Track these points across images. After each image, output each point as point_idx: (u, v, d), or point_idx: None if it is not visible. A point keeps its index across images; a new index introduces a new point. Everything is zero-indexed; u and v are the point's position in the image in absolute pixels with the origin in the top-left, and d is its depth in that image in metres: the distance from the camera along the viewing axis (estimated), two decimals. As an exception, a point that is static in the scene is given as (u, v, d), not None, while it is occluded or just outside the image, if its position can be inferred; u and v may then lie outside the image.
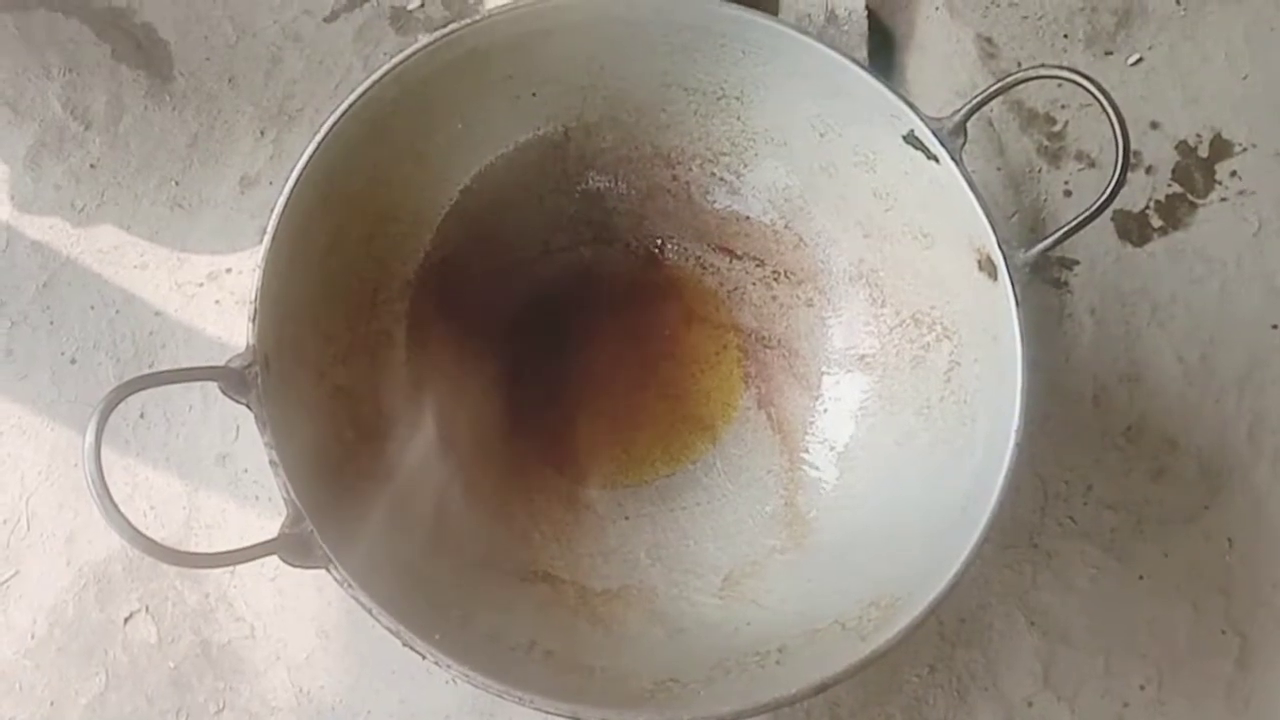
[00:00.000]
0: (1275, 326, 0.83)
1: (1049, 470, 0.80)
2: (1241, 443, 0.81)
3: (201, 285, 0.82)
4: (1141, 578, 0.78)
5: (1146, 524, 0.79)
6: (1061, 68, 0.63)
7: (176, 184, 0.84)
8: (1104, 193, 0.61)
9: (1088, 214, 0.62)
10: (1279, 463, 0.80)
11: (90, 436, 0.52)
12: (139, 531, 0.51)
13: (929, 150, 0.66)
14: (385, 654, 0.75)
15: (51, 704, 0.75)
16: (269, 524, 0.76)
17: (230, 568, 0.76)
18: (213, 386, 0.76)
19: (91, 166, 0.84)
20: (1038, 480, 0.80)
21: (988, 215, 0.64)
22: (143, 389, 0.54)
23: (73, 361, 0.80)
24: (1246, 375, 0.82)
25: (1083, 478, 0.80)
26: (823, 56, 0.66)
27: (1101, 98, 0.61)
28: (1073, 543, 0.79)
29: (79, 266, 0.82)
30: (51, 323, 0.81)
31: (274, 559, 0.74)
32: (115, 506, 0.51)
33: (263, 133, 0.85)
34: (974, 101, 0.65)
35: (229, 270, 0.82)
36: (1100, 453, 0.80)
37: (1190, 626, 0.78)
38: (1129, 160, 0.61)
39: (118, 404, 0.53)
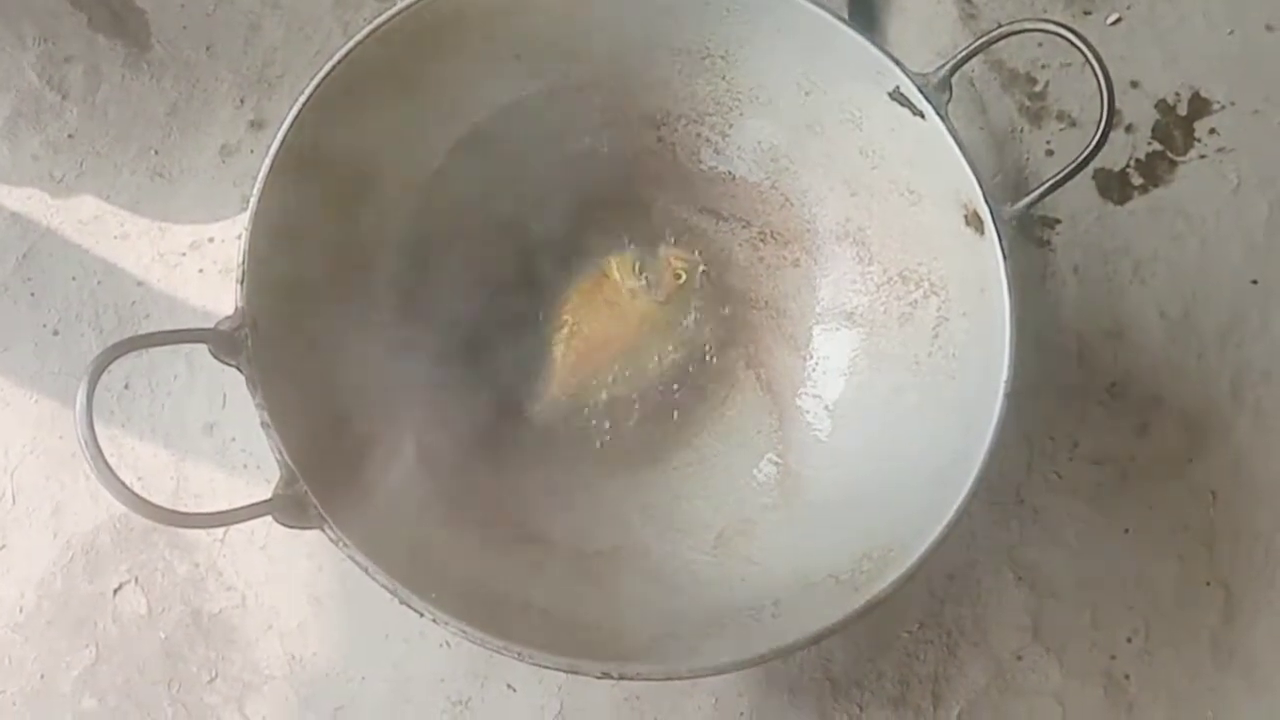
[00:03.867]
0: (1255, 282, 0.83)
1: (1034, 427, 0.80)
2: (1224, 397, 0.81)
3: (184, 255, 0.81)
4: (1127, 531, 0.79)
5: (1131, 478, 0.80)
6: (1046, 20, 0.63)
7: (156, 153, 0.83)
8: (1092, 140, 0.62)
9: (1076, 164, 0.62)
10: (1261, 416, 0.81)
11: (81, 398, 0.51)
12: (133, 492, 0.51)
13: (914, 106, 0.66)
14: (378, 619, 0.75)
15: (42, 677, 0.74)
16: (258, 492, 0.75)
17: (220, 537, 0.76)
18: (198, 356, 0.77)
19: (69, 136, 0.83)
20: (1023, 437, 0.80)
21: (974, 170, 0.64)
22: (133, 350, 0.54)
23: (55, 333, 0.80)
24: (1228, 330, 0.82)
25: (1068, 434, 0.81)
26: (808, 14, 0.66)
27: (1083, 47, 0.62)
28: (1059, 498, 0.79)
29: (59, 237, 0.81)
30: (32, 294, 0.80)
31: (264, 527, 0.75)
32: (109, 468, 0.51)
33: (242, 101, 0.85)
34: (959, 56, 0.65)
35: (211, 239, 0.81)
36: (1085, 409, 0.81)
37: (1175, 579, 0.78)
38: (1114, 109, 0.62)
39: (108, 365, 0.53)
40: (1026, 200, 0.64)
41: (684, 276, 0.74)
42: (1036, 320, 0.82)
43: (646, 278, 0.74)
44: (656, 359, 0.74)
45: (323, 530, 0.56)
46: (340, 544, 0.55)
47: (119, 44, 0.85)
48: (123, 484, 0.51)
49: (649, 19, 0.70)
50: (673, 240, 0.78)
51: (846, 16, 0.80)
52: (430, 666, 0.74)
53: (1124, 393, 0.81)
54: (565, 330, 0.73)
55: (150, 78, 0.85)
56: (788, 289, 0.77)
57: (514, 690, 0.74)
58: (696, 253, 0.77)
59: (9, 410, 0.78)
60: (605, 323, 0.73)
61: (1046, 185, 0.64)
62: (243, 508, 0.54)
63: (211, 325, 0.58)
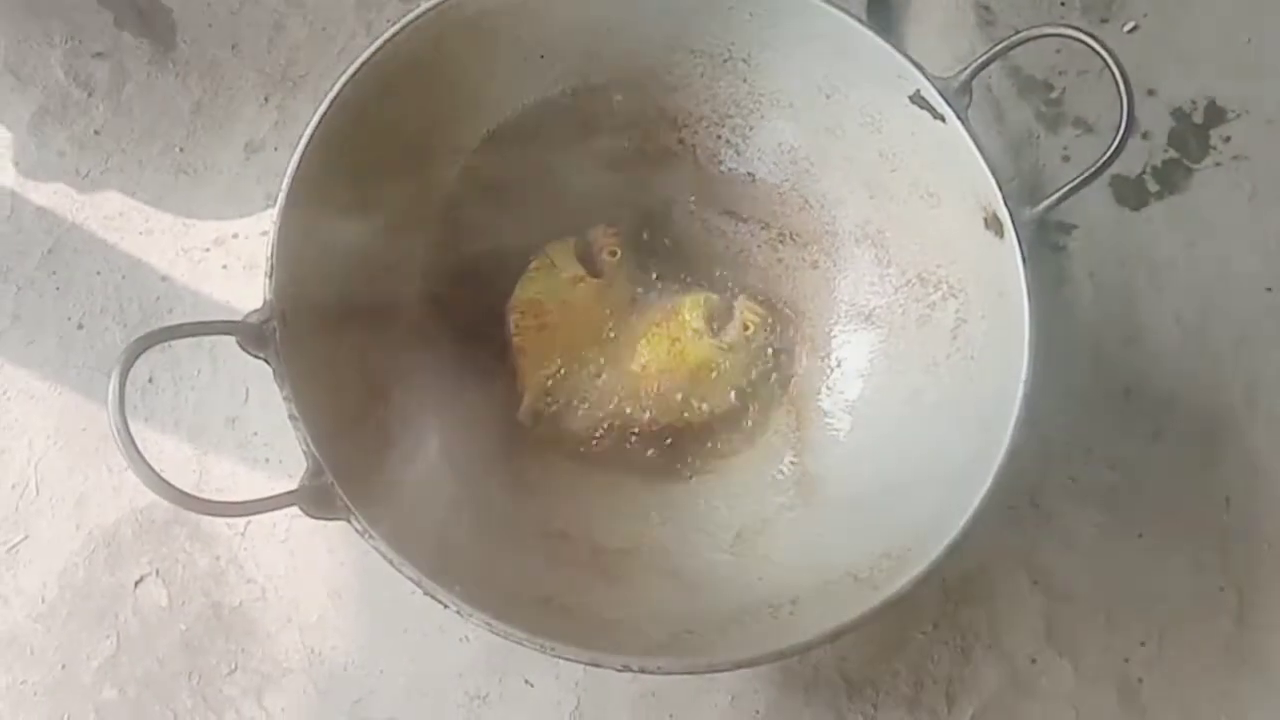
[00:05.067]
0: (1270, 289, 0.84)
1: (1049, 431, 0.81)
2: (1238, 403, 0.82)
3: (208, 250, 0.82)
4: (1141, 536, 0.79)
5: (1145, 483, 0.80)
6: (1068, 26, 0.63)
7: (181, 150, 0.84)
8: (1112, 144, 0.62)
9: (1096, 167, 0.63)
10: (1274, 422, 0.81)
11: (114, 386, 0.52)
12: (164, 479, 0.51)
13: (935, 110, 0.66)
14: (397, 613, 0.75)
15: (63, 667, 0.75)
16: (279, 486, 0.74)
17: (241, 530, 0.76)
18: (222, 350, 0.78)
19: (95, 133, 0.84)
20: (1038, 441, 0.80)
21: (994, 173, 0.64)
22: (165, 340, 0.55)
23: (80, 327, 0.80)
24: (1242, 337, 0.83)
25: (1083, 438, 0.81)
26: (831, 18, 0.67)
27: (1104, 53, 0.62)
28: (1073, 502, 0.80)
29: (85, 232, 0.82)
30: (58, 288, 0.81)
31: (286, 520, 0.75)
32: (141, 456, 0.51)
33: (266, 99, 0.85)
34: (980, 60, 0.65)
35: (235, 235, 0.82)
36: (1100, 414, 0.81)
37: (1189, 584, 0.79)
38: (1134, 113, 0.62)
39: (140, 354, 0.53)
40: (1046, 203, 0.64)
41: (752, 329, 0.75)
42: (1052, 325, 0.82)
43: (715, 323, 0.75)
44: (703, 401, 0.75)
45: (349, 521, 0.56)
46: (366, 536, 0.56)
47: (145, 42, 0.86)
48: (154, 471, 0.51)
49: (671, 21, 0.71)
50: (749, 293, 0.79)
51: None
52: (449, 661, 0.75)
53: (1138, 398, 0.82)
54: (615, 358, 0.75)
55: (175, 75, 0.86)
56: (806, 290, 0.77)
57: (532, 685, 0.75)
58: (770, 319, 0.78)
59: (33, 402, 0.79)
60: (664, 357, 0.74)
61: (1066, 188, 0.64)
62: (270, 498, 0.55)
63: (231, 320, 0.58)
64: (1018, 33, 0.65)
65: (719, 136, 0.77)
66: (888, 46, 0.66)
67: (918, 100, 0.67)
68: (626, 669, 0.56)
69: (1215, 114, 0.88)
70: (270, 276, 0.59)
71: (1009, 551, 0.79)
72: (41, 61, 0.85)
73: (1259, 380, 0.82)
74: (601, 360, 0.75)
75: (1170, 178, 0.86)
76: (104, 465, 0.78)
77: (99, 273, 0.81)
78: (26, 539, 0.77)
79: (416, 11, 0.65)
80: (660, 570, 0.69)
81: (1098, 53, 0.62)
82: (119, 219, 0.83)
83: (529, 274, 0.76)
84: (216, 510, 0.54)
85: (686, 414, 0.74)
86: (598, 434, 0.74)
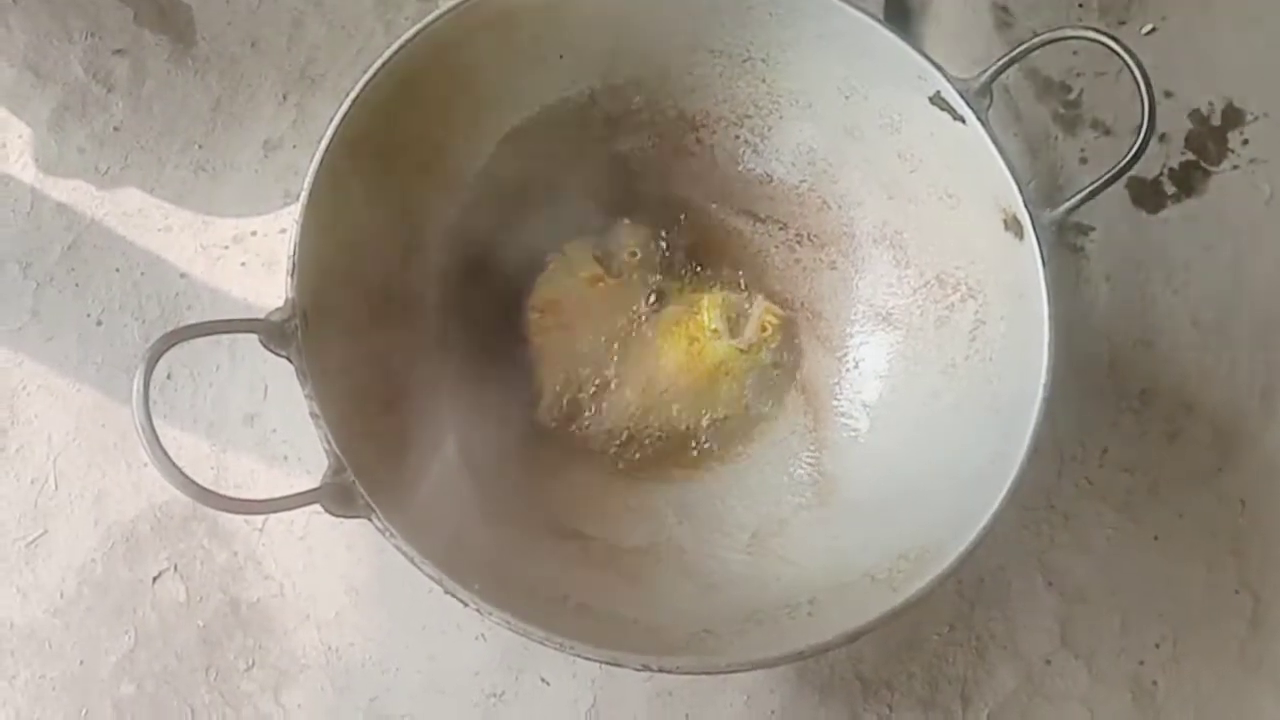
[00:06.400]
0: (1287, 292, 0.84)
1: (1065, 433, 0.81)
2: (1254, 406, 0.82)
3: (227, 248, 0.82)
4: (1156, 538, 0.79)
5: (1161, 486, 0.80)
6: (1090, 28, 0.63)
7: (200, 147, 0.84)
8: (1133, 146, 0.62)
9: (1118, 169, 0.63)
10: (1291, 426, 0.81)
11: (138, 383, 0.52)
12: (189, 477, 0.52)
13: (955, 111, 0.66)
14: (414, 611, 0.75)
15: (81, 662, 0.75)
16: (298, 483, 0.77)
17: (259, 526, 0.77)
18: (241, 347, 0.78)
19: (115, 130, 0.84)
20: (1054, 443, 0.80)
21: (1014, 175, 0.64)
22: (189, 338, 0.55)
23: (99, 323, 0.81)
24: (1259, 340, 0.83)
25: (1098, 441, 0.81)
26: (850, 18, 0.67)
27: (1125, 55, 0.62)
28: (1089, 504, 0.80)
29: (104, 229, 0.82)
30: (77, 285, 0.81)
31: (304, 517, 0.76)
32: (165, 453, 0.52)
33: (285, 97, 0.86)
34: (1001, 62, 0.65)
35: (254, 233, 0.82)
36: (1116, 416, 0.81)
37: (1204, 586, 0.79)
38: (1155, 116, 0.62)
39: (164, 352, 0.53)
40: (1067, 205, 0.64)
41: (770, 330, 0.75)
42: (1068, 327, 0.82)
43: (734, 323, 0.75)
44: (720, 401, 0.76)
45: (370, 519, 0.56)
46: (387, 533, 0.56)
47: (165, 39, 0.86)
48: (179, 469, 0.52)
49: (691, 21, 0.71)
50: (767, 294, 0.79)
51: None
52: (465, 659, 0.75)
53: (1155, 400, 0.82)
54: (633, 358, 0.76)
55: (195, 73, 0.86)
56: (824, 291, 0.77)
57: (548, 684, 0.75)
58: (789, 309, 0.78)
59: (52, 398, 0.79)
60: (682, 358, 0.75)
61: (1086, 191, 0.64)
62: (292, 495, 0.55)
63: (254, 318, 0.58)
64: (1036, 35, 0.65)
65: (737, 137, 0.77)
66: (908, 47, 0.66)
67: (937, 101, 0.67)
68: (646, 669, 0.56)
69: (1233, 116, 0.87)
70: (292, 275, 0.59)
71: (1024, 553, 0.79)
72: (61, 58, 0.85)
73: (1275, 383, 0.82)
74: (619, 360, 0.75)
75: (1188, 180, 0.86)
76: (123, 461, 0.78)
77: (118, 269, 0.82)
78: (45, 534, 0.77)
79: (437, 11, 0.65)
80: (677, 570, 0.69)
81: (1120, 56, 0.62)
82: (138, 216, 0.83)
83: (547, 273, 0.76)
84: (240, 508, 0.54)
85: (704, 414, 0.75)
86: (615, 433, 0.74)
